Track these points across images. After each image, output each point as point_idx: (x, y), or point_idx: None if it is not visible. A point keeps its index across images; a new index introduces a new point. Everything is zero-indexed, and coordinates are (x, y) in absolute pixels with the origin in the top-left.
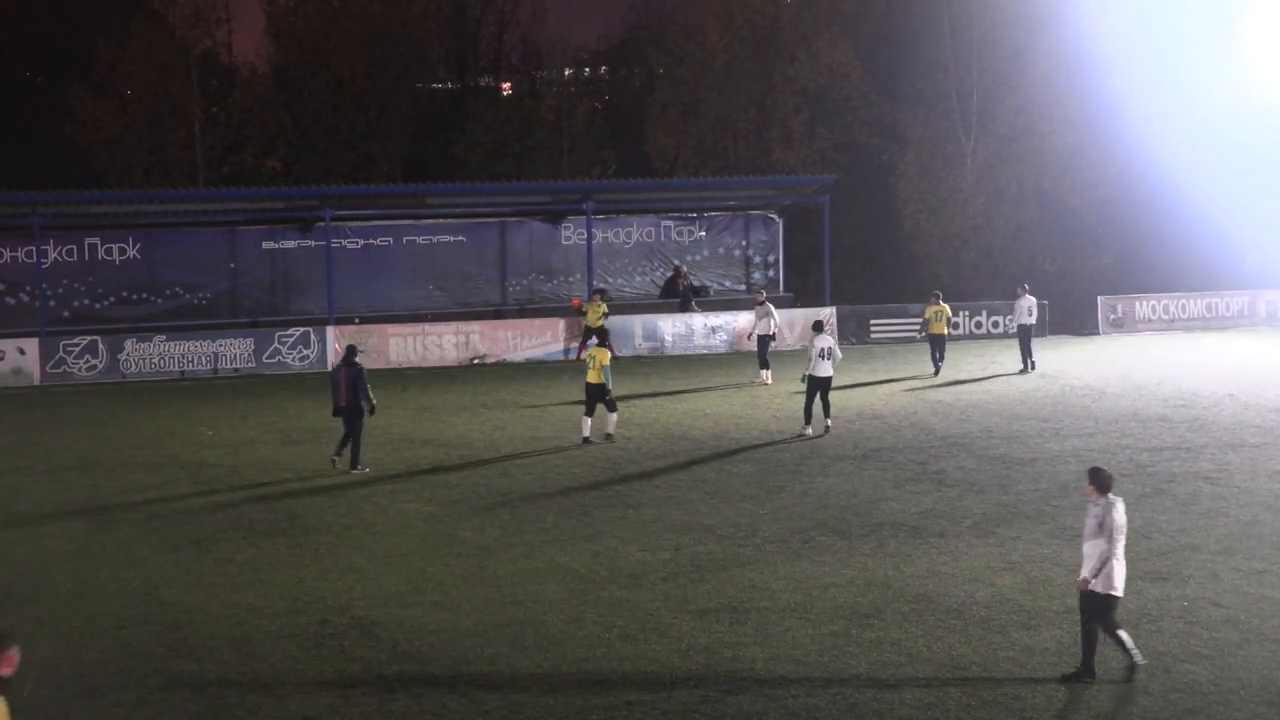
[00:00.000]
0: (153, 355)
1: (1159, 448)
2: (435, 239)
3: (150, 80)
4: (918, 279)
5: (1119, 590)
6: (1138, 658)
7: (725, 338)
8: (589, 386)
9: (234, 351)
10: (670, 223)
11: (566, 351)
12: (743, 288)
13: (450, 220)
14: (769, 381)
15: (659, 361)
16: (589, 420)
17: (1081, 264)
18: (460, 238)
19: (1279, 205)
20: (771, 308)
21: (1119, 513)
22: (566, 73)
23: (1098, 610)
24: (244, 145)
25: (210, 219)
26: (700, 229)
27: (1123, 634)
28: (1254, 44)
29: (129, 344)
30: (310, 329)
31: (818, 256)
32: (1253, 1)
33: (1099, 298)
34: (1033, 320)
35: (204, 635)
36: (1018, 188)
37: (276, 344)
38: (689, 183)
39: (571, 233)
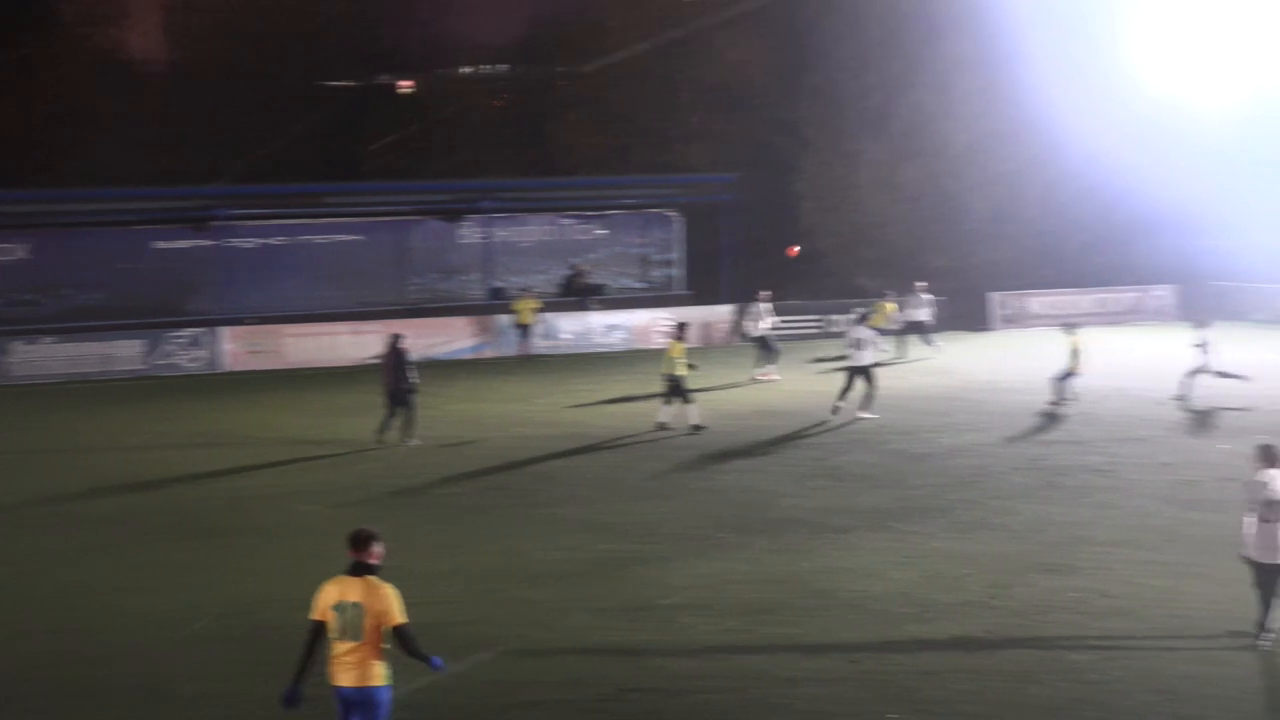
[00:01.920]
0: (41, 358)
1: (1051, 441)
2: (333, 238)
3: (45, 78)
4: (816, 276)
5: (1250, 555)
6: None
7: (624, 335)
8: (668, 378)
9: (125, 353)
10: (569, 221)
11: (479, 347)
12: (641, 285)
13: (348, 219)
14: (777, 377)
15: (557, 360)
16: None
17: (976, 260)
18: (358, 237)
19: (1168, 202)
20: (761, 308)
21: (1252, 484)
22: (468, 71)
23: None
24: (140, 143)
25: (101, 219)
26: (600, 227)
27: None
28: (1150, 39)
29: (17, 347)
30: (203, 330)
31: (718, 254)
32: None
33: (992, 294)
34: (925, 317)
35: (103, 642)
36: (915, 185)
37: (168, 345)
38: (589, 181)
39: (470, 231)
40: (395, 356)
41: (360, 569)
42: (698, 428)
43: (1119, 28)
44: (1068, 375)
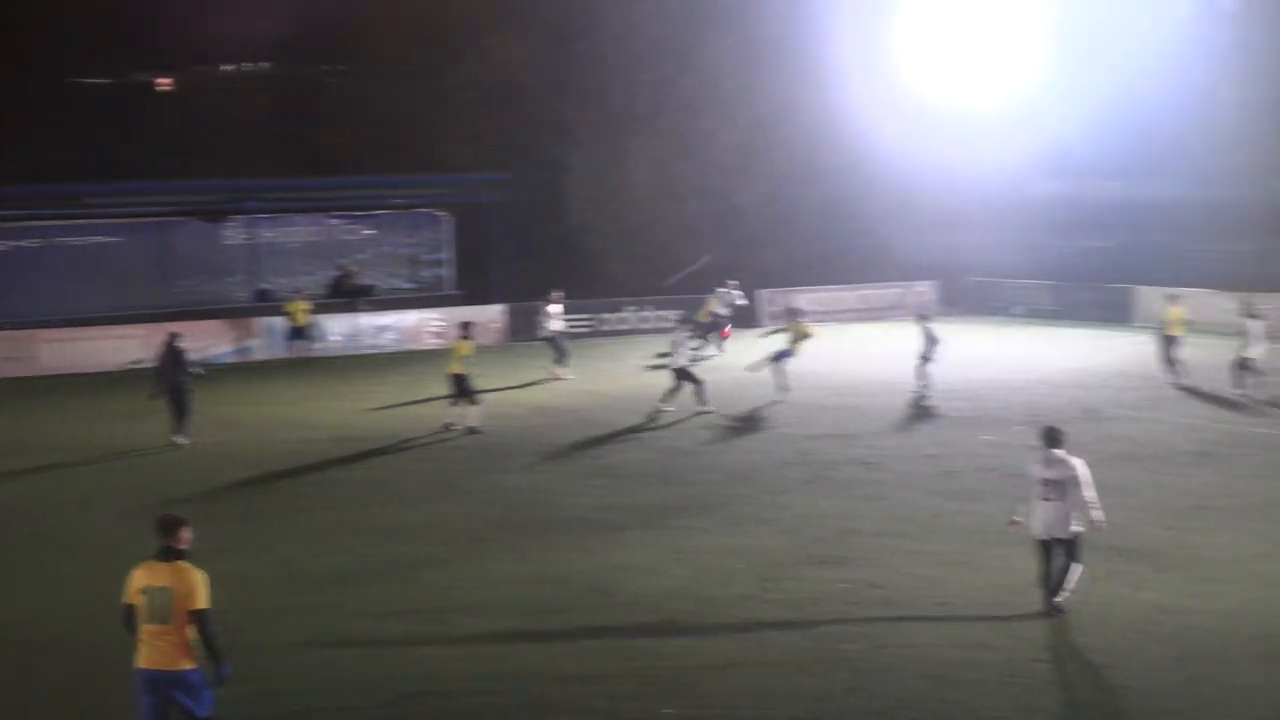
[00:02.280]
0: None
1: (819, 435)
2: (91, 240)
3: None
4: (589, 275)
5: (1029, 531)
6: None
7: (395, 336)
8: (453, 378)
9: None
10: (337, 221)
11: (244, 350)
12: (411, 286)
13: (108, 221)
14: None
15: (328, 362)
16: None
17: (746, 258)
18: (118, 238)
19: (929, 201)
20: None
21: (1034, 465)
22: (230, 69)
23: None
24: None
25: None
26: (368, 227)
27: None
28: (911, 40)
29: None
30: None
31: (488, 254)
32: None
33: (760, 290)
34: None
35: None
36: (685, 184)
37: None
38: (357, 181)
39: (235, 232)
40: (173, 355)
41: (168, 554)
42: (474, 430)
43: (886, 26)
44: (784, 355)
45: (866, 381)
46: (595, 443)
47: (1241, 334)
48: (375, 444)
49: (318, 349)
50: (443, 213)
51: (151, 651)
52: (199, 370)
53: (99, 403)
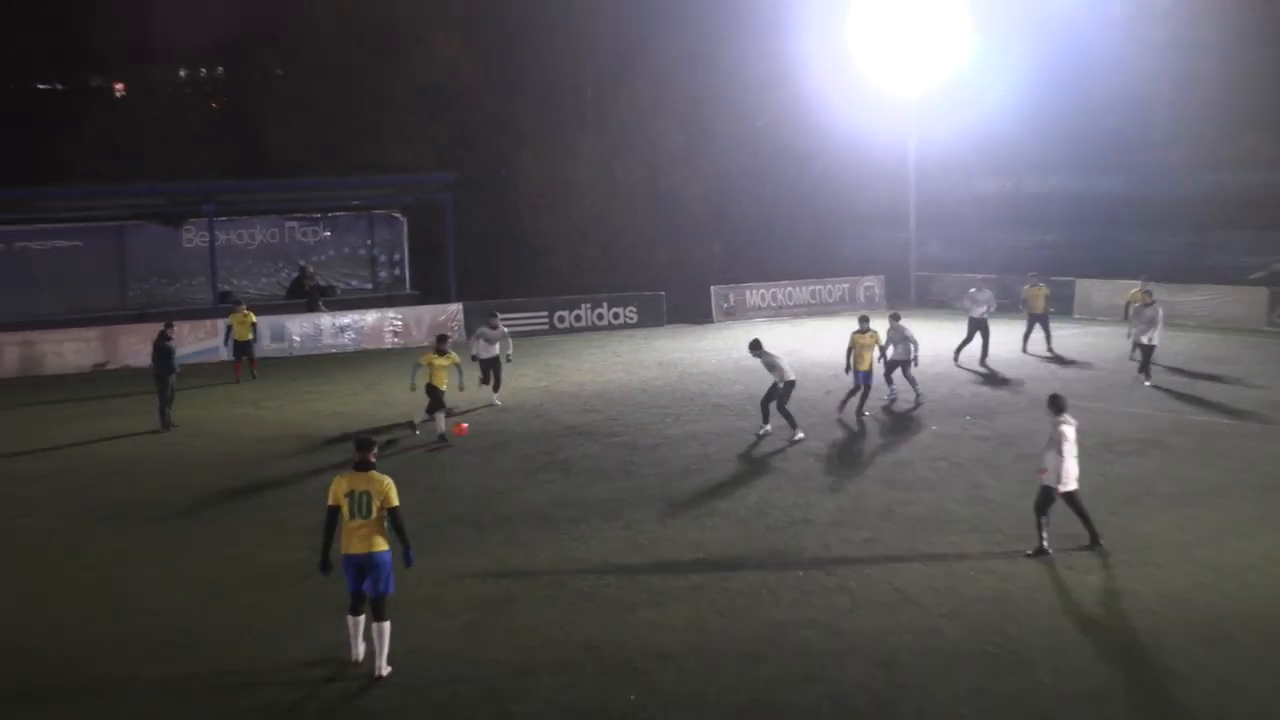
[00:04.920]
0: None
1: (771, 428)
2: (50, 244)
3: None
4: (541, 273)
5: (1059, 485)
6: (1041, 545)
7: (354, 336)
8: (431, 389)
9: None
10: (294, 223)
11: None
12: (369, 286)
13: (65, 224)
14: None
15: (287, 362)
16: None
17: (695, 255)
18: (76, 242)
19: (875, 198)
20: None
21: (1065, 429)
22: (181, 73)
23: (1040, 498)
24: None
25: None
26: (325, 229)
27: (1045, 520)
28: (858, 40)
29: None
30: None
31: (442, 253)
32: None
33: (712, 287)
34: None
35: None
36: (632, 182)
37: None
38: (310, 183)
39: (193, 235)
40: (163, 345)
41: (364, 465)
42: (443, 438)
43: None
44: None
45: (819, 375)
46: (550, 437)
47: (1143, 321)
48: (333, 443)
49: (276, 349)
50: (397, 213)
51: (356, 540)
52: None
53: (56, 407)
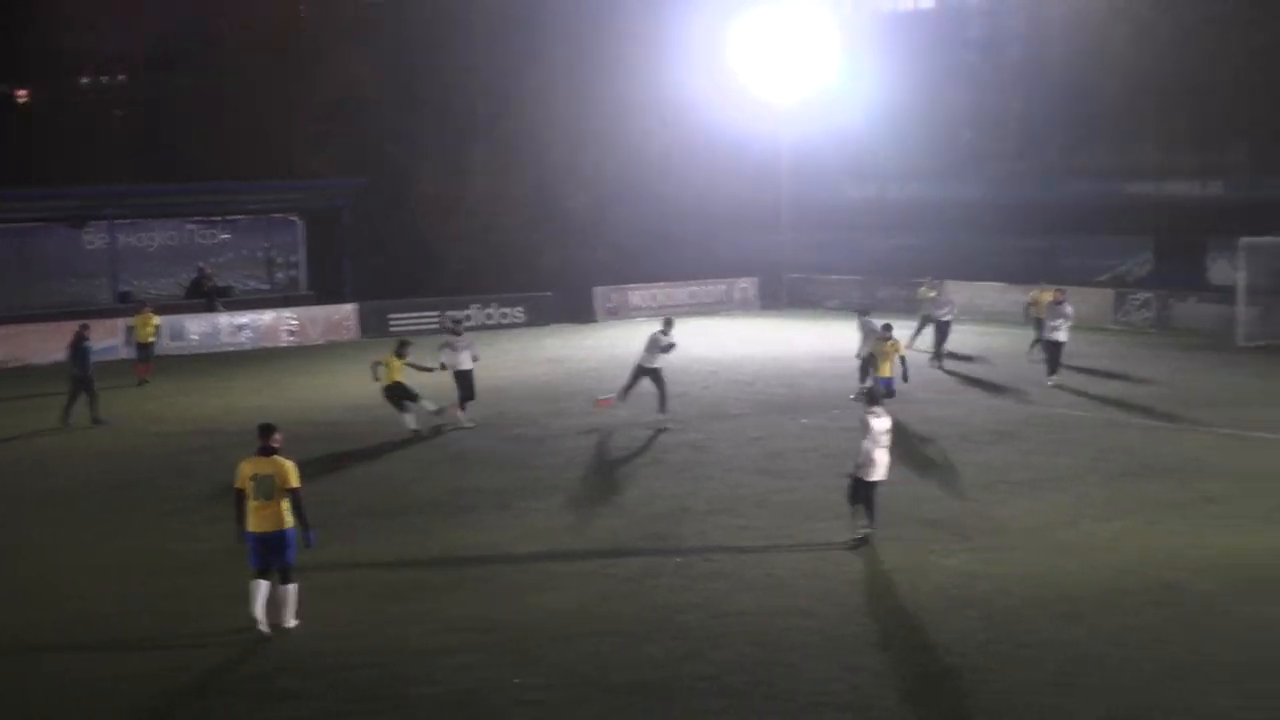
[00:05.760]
0: None
1: (650, 423)
2: None
3: None
4: (436, 276)
5: (865, 476)
6: (859, 533)
7: (251, 335)
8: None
9: None
10: (194, 226)
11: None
12: (267, 287)
13: None
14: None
15: (187, 360)
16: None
17: (580, 258)
18: None
19: (751, 202)
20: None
21: (873, 421)
22: (88, 81)
23: (851, 489)
24: None
25: None
26: (224, 232)
27: (862, 509)
28: (737, 44)
29: None
30: None
31: (340, 256)
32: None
33: (596, 288)
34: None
35: None
36: (521, 190)
37: None
38: (214, 187)
39: (95, 237)
40: (79, 344)
41: (266, 450)
42: (417, 432)
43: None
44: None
45: (698, 371)
46: (442, 431)
47: (1056, 317)
48: (235, 437)
49: (175, 347)
50: (295, 217)
51: (259, 520)
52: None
53: None
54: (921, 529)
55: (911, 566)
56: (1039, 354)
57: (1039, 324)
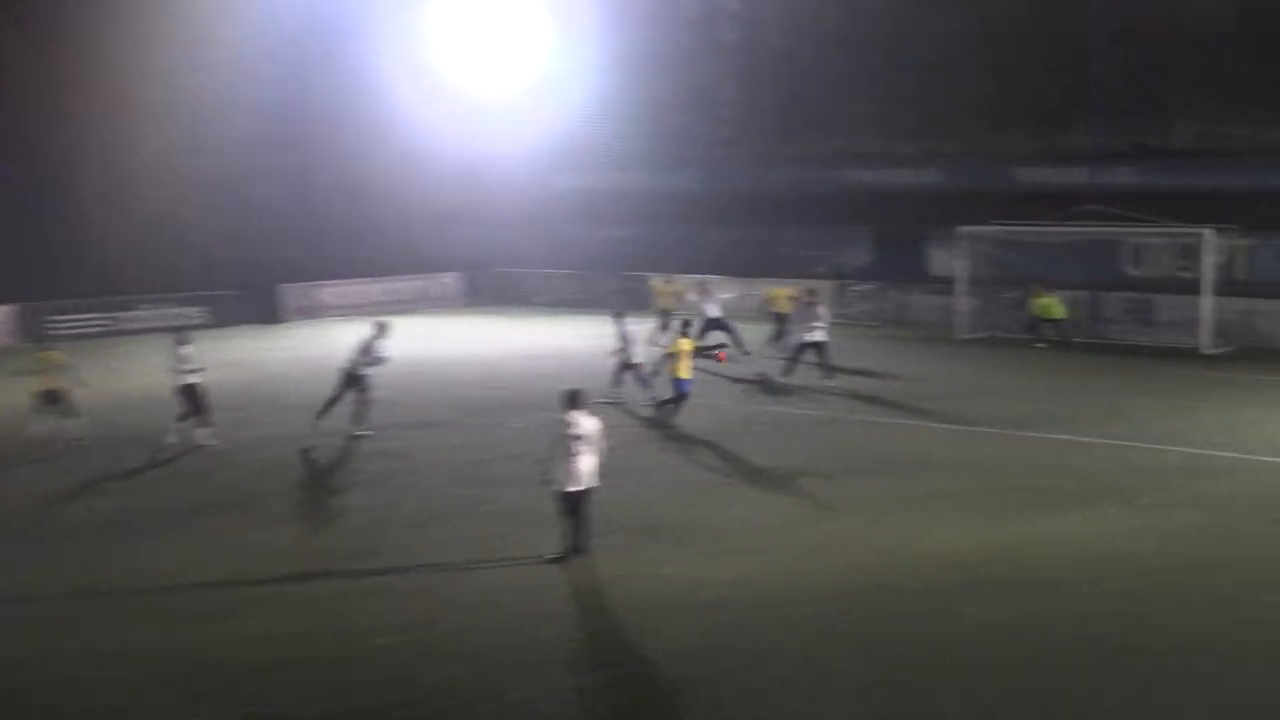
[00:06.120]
0: None
1: (347, 431)
2: None
3: None
4: (105, 273)
5: (566, 486)
6: (560, 551)
7: None
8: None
9: None
10: None
11: None
12: None
13: None
14: None
15: None
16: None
17: (268, 253)
18: None
19: (455, 193)
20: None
21: (568, 429)
22: None
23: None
24: None
25: None
26: None
27: (569, 523)
28: (440, 35)
29: None
30: None
31: None
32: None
33: (284, 286)
34: None
35: None
36: (201, 180)
37: None
38: None
39: None
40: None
41: None
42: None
43: (411, 20)
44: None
45: (396, 374)
46: (112, 445)
47: (811, 319)
48: None
49: None
50: None
51: None
52: None
53: None
54: (639, 536)
55: (629, 576)
56: (774, 350)
57: (779, 320)
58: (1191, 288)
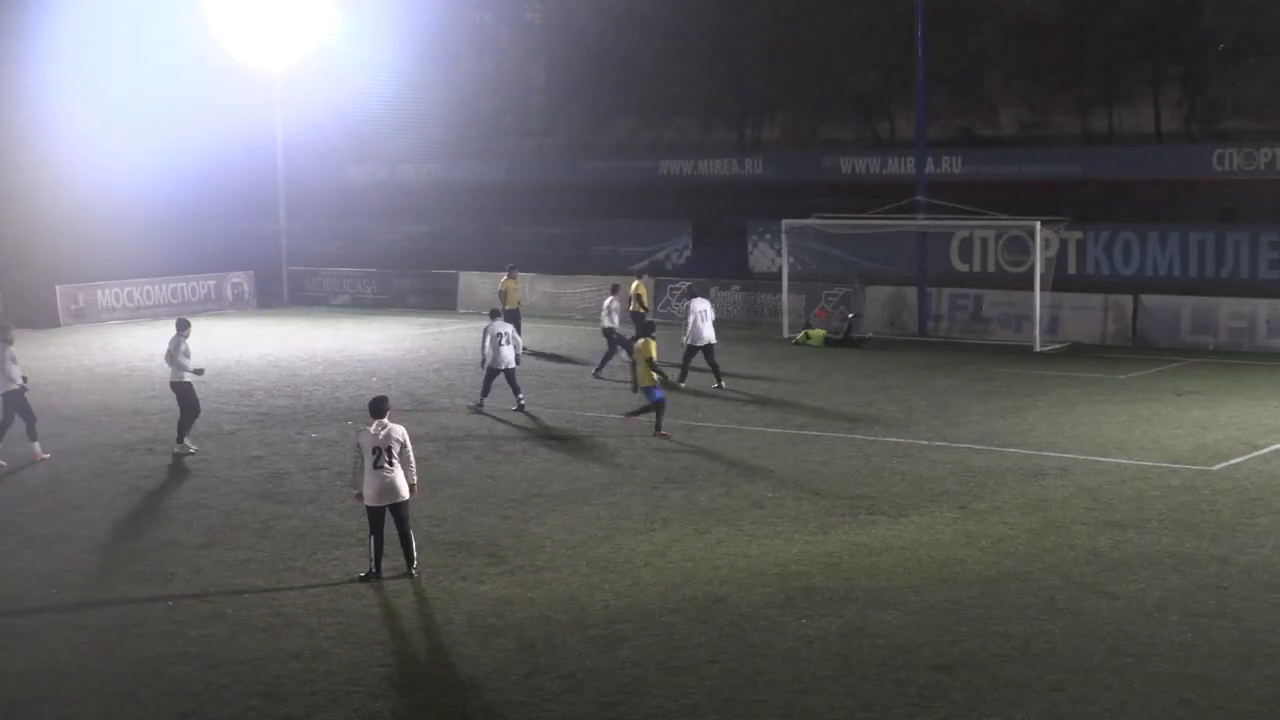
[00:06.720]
0: None
1: (132, 443)
2: None
3: None
4: None
5: (374, 501)
6: (368, 569)
7: None
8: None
9: None
10: None
11: None
12: None
13: None
14: None
15: None
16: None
17: (39, 252)
18: None
19: (238, 183)
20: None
21: (361, 438)
22: None
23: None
24: None
25: None
26: None
27: (377, 539)
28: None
29: None
30: None
31: None
32: None
33: (58, 287)
34: None
35: None
36: None
37: None
38: None
39: None
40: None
41: None
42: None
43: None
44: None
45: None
46: None
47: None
48: None
49: None
50: None
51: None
52: None
53: None
54: (451, 552)
55: (441, 595)
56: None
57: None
58: (1023, 283)
